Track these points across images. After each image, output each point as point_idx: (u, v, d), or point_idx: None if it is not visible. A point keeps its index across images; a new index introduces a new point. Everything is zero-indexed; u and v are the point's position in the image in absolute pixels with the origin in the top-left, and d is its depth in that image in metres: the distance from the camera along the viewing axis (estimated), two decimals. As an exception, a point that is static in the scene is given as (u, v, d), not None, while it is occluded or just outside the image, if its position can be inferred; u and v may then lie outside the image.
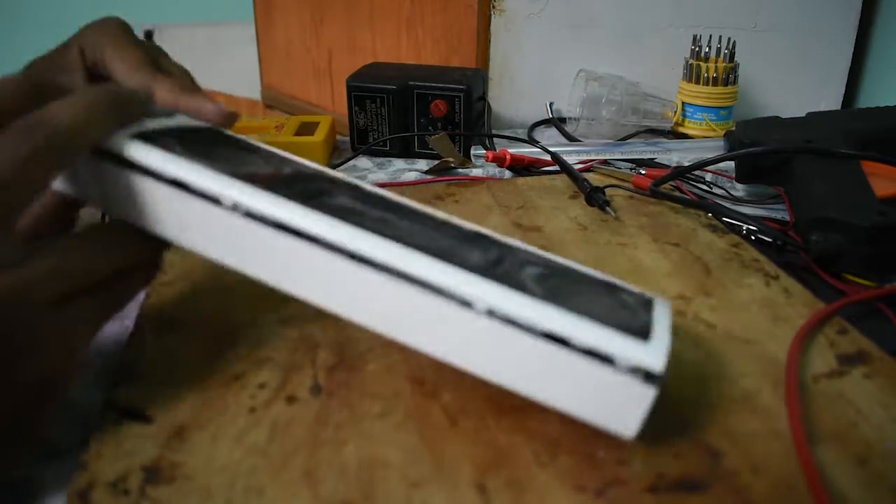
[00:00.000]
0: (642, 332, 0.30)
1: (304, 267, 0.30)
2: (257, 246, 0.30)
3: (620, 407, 0.29)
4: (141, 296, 0.44)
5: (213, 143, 0.35)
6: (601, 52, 0.83)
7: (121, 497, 0.28)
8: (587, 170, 0.66)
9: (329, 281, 0.30)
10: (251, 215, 0.30)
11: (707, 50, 0.78)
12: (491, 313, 0.29)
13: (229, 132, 0.38)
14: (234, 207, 0.30)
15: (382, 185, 0.63)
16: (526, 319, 0.28)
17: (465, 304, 0.29)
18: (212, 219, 0.30)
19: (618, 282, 0.36)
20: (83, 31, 0.41)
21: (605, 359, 0.28)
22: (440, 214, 0.36)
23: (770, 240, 0.51)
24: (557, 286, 0.32)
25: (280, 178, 0.33)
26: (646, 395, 0.28)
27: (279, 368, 0.36)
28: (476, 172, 0.66)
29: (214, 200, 0.30)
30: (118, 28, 0.41)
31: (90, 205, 0.33)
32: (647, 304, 0.34)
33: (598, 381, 0.28)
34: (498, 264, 0.32)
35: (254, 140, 0.38)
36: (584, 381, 0.29)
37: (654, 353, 0.28)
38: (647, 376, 0.28)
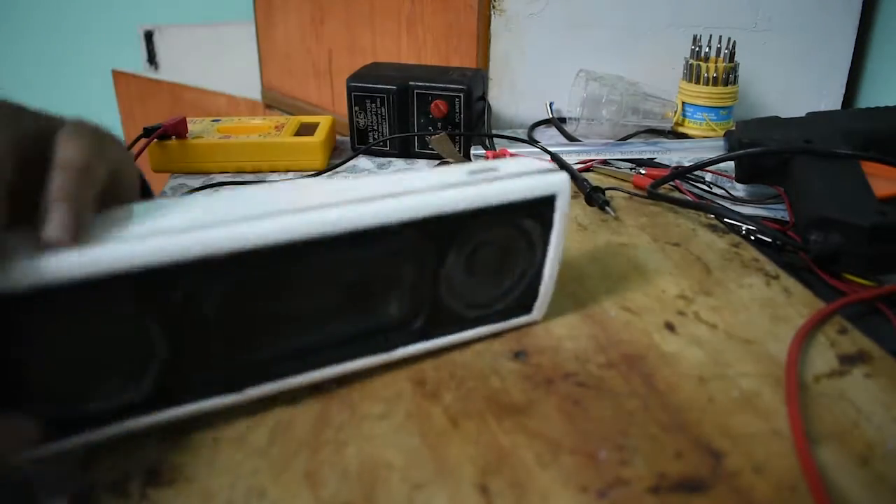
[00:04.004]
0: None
1: None
2: None
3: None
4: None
5: None
6: (601, 52, 0.83)
7: (121, 499, 0.28)
8: (587, 170, 0.66)
9: None
10: None
11: (707, 50, 0.78)
12: None
13: None
14: None
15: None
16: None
17: None
18: None
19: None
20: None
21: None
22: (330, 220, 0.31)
23: (770, 240, 0.51)
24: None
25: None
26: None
27: (280, 369, 0.36)
28: (476, 173, 0.66)
29: None
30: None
31: None
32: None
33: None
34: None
35: None
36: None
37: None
38: None
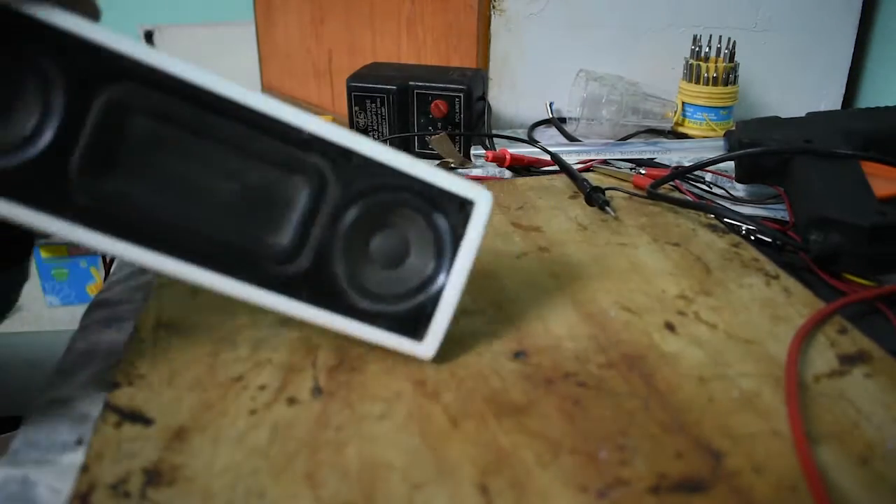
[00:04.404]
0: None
1: None
2: None
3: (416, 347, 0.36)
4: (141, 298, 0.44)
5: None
6: (601, 52, 0.83)
7: (121, 499, 0.28)
8: (587, 170, 0.66)
9: None
10: None
11: (707, 50, 0.78)
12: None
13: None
14: None
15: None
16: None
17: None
18: None
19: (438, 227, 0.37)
20: None
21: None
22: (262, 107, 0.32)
23: (770, 240, 0.51)
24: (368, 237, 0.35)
25: None
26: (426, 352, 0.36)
27: (279, 370, 0.36)
28: (476, 172, 0.66)
29: None
30: None
31: None
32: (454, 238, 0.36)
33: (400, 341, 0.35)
34: (309, 230, 0.34)
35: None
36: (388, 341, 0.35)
37: (428, 344, 0.35)
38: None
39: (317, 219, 0.33)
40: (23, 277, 0.39)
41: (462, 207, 0.35)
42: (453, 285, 0.35)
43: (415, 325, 0.35)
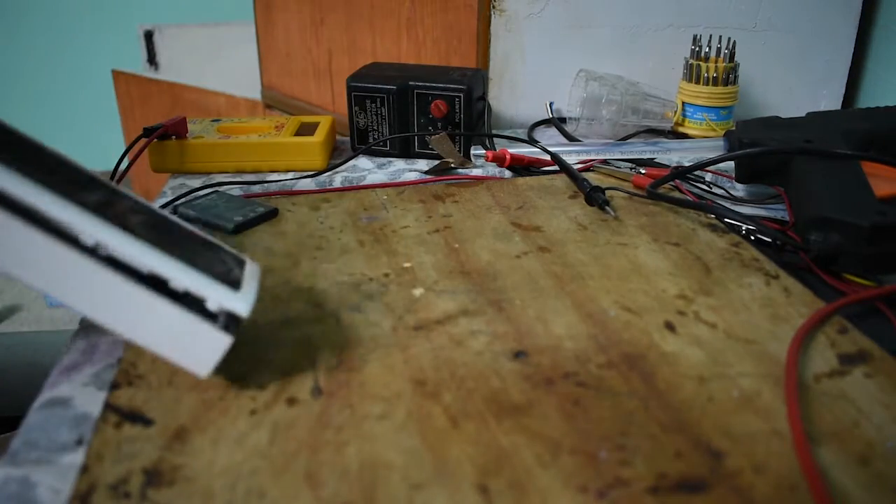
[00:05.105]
0: (234, 283, 0.34)
1: None
2: None
3: (202, 347, 0.32)
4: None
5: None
6: (601, 52, 0.83)
7: (122, 500, 0.28)
8: (587, 170, 0.66)
9: None
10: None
11: (707, 50, 0.78)
12: (96, 249, 0.31)
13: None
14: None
15: (383, 186, 0.62)
16: (129, 258, 0.31)
17: (72, 238, 0.30)
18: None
19: (217, 241, 0.40)
20: None
21: (198, 300, 0.32)
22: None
23: (770, 240, 0.51)
24: (162, 235, 0.35)
25: None
26: (224, 339, 0.32)
27: (279, 370, 0.36)
28: (476, 172, 0.66)
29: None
30: None
31: None
32: (241, 263, 0.38)
33: (188, 322, 0.32)
34: (108, 206, 0.34)
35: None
36: (175, 320, 0.32)
37: (242, 300, 0.33)
38: (231, 318, 0.32)
39: None
40: None
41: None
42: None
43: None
